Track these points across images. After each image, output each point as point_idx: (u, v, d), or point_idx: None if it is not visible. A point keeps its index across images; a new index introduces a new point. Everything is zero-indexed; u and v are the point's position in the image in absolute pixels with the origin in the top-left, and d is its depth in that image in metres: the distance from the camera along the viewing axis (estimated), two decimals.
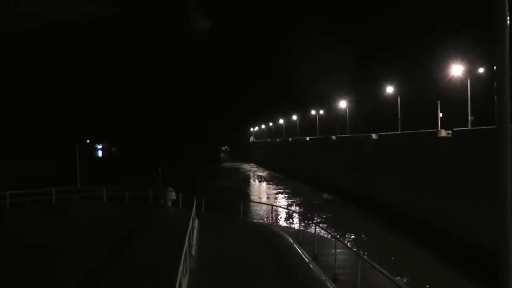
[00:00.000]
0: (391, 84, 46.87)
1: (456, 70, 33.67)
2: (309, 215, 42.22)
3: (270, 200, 57.44)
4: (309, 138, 78.76)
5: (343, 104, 64.01)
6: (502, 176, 4.40)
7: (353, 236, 34.49)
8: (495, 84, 4.44)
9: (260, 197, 61.14)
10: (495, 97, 4.43)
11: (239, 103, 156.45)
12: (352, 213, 45.41)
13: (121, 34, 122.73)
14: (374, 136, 47.52)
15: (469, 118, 33.27)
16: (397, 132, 44.06)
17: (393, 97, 48.69)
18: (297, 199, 58.14)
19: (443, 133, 32.57)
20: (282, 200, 57.99)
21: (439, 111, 37.11)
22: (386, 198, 42.67)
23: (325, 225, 37.27)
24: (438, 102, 35.69)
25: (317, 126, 79.93)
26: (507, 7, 4.43)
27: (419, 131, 36.80)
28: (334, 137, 63.89)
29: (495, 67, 4.42)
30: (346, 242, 25.79)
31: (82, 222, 24.09)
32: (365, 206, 45.60)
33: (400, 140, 40.93)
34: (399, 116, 45.74)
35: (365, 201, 47.05)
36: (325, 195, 59.97)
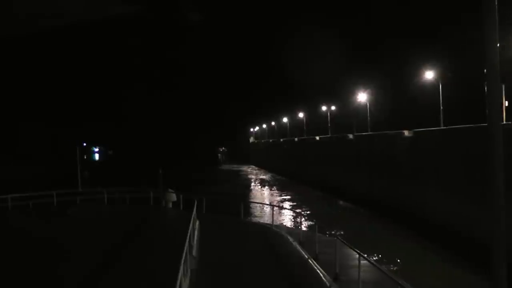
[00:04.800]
0: (431, 68, 38.07)
1: None
2: (327, 231, 33.88)
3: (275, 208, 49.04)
4: (319, 138, 70.43)
5: (362, 97, 55.21)
6: (493, 175, 4.45)
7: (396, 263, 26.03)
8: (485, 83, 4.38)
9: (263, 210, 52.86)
10: (486, 95, 4.40)
11: (237, 102, 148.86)
12: (380, 226, 37.19)
13: (115, 36, 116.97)
14: (407, 133, 39.10)
15: None
16: (443, 128, 35.48)
17: (430, 87, 40.12)
18: (308, 207, 49.80)
19: None
20: (292, 213, 49.51)
21: (504, 97, 28.67)
22: (425, 208, 34.49)
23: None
24: (503, 85, 27.16)
25: (328, 124, 71.47)
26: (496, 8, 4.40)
27: (480, 124, 28.16)
28: (351, 136, 55.44)
29: (485, 70, 4.37)
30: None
31: (83, 224, 23.89)
32: (396, 218, 37.42)
33: (448, 137, 32.37)
34: (441, 107, 37.17)
35: (394, 212, 38.95)
36: (341, 203, 52.33)
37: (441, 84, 37.48)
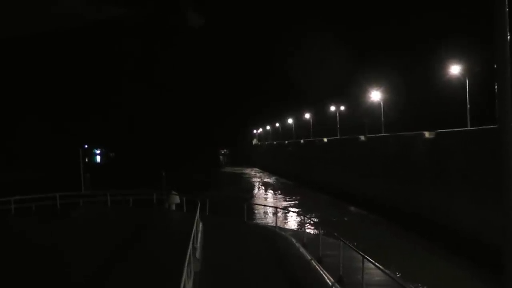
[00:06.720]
0: (457, 63, 34.74)
1: None
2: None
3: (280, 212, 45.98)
4: (327, 139, 67.39)
5: (376, 95, 52.02)
6: (506, 178, 4.38)
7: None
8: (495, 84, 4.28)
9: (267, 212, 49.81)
10: (496, 96, 4.33)
11: (240, 103, 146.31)
12: (402, 237, 34.07)
13: (115, 36, 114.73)
14: (427, 134, 36.01)
15: None
16: (470, 128, 32.32)
17: (454, 83, 36.93)
18: (316, 213, 46.64)
19: None
20: (297, 216, 46.35)
21: None
22: (450, 217, 31.45)
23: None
24: None
25: (338, 125, 68.46)
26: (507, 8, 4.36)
27: None
28: (362, 137, 52.35)
29: (495, 66, 4.30)
30: None
31: (87, 226, 23.89)
32: (417, 227, 34.35)
33: (477, 139, 29.25)
34: (468, 106, 33.94)
35: (412, 219, 35.96)
36: (352, 209, 49.31)
37: (468, 80, 34.26)
